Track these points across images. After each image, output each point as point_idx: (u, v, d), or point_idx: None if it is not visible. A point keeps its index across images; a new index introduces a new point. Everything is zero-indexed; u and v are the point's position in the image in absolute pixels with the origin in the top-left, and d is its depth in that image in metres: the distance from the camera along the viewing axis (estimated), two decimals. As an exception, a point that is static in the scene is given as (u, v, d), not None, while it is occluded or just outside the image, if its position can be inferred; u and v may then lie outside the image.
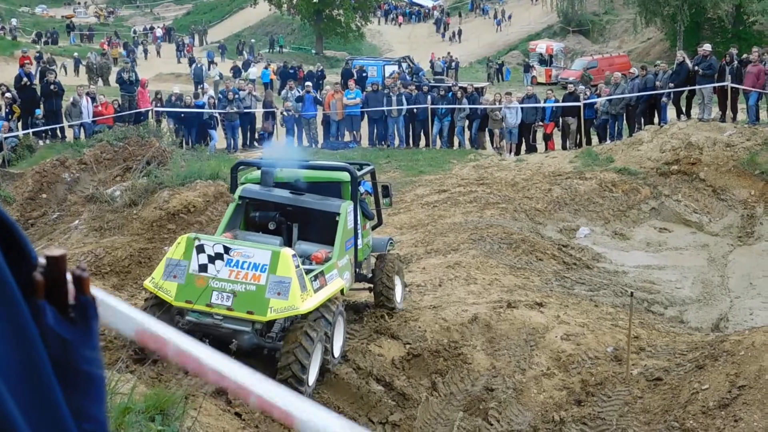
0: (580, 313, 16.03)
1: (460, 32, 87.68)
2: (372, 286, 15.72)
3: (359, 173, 15.29)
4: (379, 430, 12.89)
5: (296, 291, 12.12)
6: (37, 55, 51.70)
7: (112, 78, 48.75)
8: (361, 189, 15.91)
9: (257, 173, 15.38)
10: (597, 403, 13.10)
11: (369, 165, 16.72)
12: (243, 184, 15.19)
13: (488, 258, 19.37)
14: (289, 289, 12.09)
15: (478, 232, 21.20)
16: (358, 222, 14.86)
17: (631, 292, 15.08)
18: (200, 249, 12.50)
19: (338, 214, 14.27)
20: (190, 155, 27.41)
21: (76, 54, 64.12)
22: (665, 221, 24.11)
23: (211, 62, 63.58)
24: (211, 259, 12.45)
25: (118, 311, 1.77)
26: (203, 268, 12.43)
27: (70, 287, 1.51)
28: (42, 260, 1.48)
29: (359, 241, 14.91)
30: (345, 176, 14.80)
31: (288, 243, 14.36)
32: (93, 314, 1.53)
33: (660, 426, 12.20)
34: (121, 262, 18.70)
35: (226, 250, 12.48)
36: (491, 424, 13.05)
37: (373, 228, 16.47)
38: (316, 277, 12.92)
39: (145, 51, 78.75)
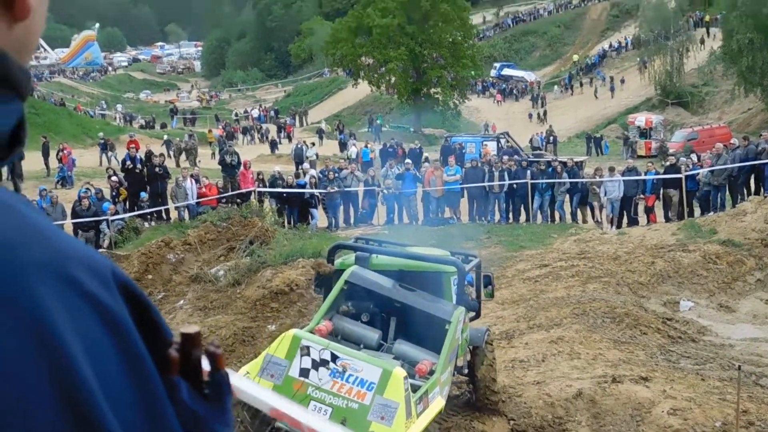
0: (686, 388, 15.75)
1: (545, 113, 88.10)
2: (470, 379, 14.94)
3: (467, 267, 14.22)
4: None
5: (402, 418, 10.82)
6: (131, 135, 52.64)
7: (208, 160, 49.69)
8: None
9: (352, 258, 14.26)
10: (707, 479, 12.85)
11: (475, 257, 15.68)
12: (340, 268, 14.07)
13: (591, 332, 19.17)
14: (394, 416, 10.81)
15: (581, 306, 20.99)
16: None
17: (739, 366, 14.80)
18: (305, 351, 11.34)
19: (449, 322, 12.92)
20: (293, 234, 27.62)
21: (166, 136, 65.50)
22: (772, 293, 23.66)
23: (344, 143, 64.19)
24: (315, 365, 11.28)
25: (256, 392, 1.85)
26: (305, 372, 11.25)
27: (205, 364, 1.54)
28: (176, 337, 1.52)
29: (459, 337, 13.57)
30: (450, 269, 13.74)
31: (384, 338, 13.36)
32: (226, 390, 1.55)
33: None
34: (225, 341, 18.86)
35: (333, 357, 11.30)
36: (598, 501, 12.88)
37: (471, 320, 15.09)
38: (420, 398, 11.58)
39: (262, 134, 79.79)
